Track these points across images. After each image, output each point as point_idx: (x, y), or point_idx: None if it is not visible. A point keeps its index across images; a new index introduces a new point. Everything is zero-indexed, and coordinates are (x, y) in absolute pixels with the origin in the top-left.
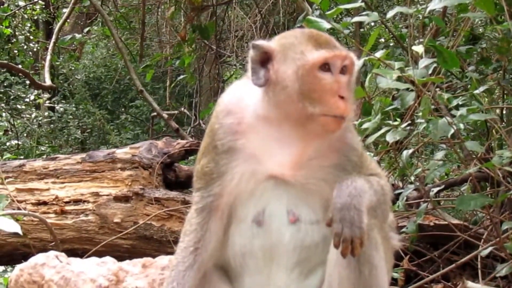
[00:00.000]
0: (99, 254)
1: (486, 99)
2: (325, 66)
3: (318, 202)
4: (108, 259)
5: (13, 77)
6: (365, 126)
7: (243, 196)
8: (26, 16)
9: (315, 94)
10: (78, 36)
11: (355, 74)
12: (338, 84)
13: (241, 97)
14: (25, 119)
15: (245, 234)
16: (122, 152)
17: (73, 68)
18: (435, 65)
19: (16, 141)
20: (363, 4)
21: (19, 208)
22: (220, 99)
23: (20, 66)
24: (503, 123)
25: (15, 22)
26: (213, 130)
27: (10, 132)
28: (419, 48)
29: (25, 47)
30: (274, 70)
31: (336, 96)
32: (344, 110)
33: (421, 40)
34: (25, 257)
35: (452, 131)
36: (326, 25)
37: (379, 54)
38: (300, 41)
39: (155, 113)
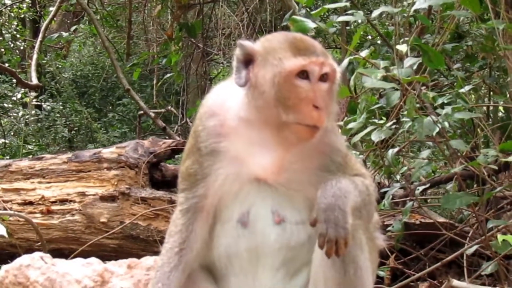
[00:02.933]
0: (86, 253)
1: (473, 96)
2: (303, 74)
3: (303, 202)
4: (93, 260)
5: None
6: (350, 126)
7: (228, 198)
8: (12, 14)
9: (289, 102)
10: (65, 34)
11: (338, 81)
12: (314, 93)
13: (225, 99)
14: (12, 117)
15: (230, 235)
16: (108, 152)
17: (60, 67)
18: (420, 61)
19: (3, 140)
20: (348, 3)
21: (5, 208)
22: (204, 100)
23: (6, 65)
24: (489, 120)
25: (1, 20)
26: (197, 132)
27: None
28: (403, 47)
29: (12, 45)
30: (254, 73)
31: (310, 106)
32: (317, 120)
33: (407, 38)
34: (11, 257)
35: (437, 129)
36: (311, 24)
37: (364, 53)
38: (281, 46)
39: (142, 112)
